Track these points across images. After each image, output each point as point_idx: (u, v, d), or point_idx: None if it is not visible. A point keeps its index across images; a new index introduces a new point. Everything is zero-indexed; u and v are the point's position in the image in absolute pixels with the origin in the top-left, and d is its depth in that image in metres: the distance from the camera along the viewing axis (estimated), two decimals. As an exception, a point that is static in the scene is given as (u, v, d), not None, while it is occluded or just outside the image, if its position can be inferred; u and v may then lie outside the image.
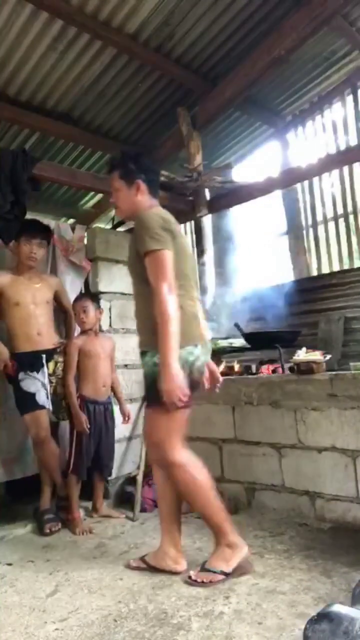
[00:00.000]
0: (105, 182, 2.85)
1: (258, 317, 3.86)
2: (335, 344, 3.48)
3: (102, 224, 5.28)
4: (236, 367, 3.32)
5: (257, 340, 3.30)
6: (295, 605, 1.79)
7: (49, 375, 2.96)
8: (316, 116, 4.99)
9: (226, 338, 3.63)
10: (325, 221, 5.00)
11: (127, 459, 3.42)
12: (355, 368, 2.64)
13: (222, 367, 3.36)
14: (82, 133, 4.39)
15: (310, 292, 3.88)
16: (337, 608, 1.37)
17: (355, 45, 4.21)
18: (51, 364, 2.98)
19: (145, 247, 1.98)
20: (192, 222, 4.87)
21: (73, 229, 3.64)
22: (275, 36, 3.76)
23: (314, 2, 3.49)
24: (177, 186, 4.04)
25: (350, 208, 4.77)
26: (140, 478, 3.10)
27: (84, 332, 3.07)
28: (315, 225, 5.08)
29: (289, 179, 4.12)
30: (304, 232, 5.16)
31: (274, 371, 3.05)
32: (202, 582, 1.97)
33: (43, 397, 2.89)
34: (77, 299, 3.14)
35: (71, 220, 5.49)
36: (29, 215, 3.06)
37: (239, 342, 3.44)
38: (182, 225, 5.34)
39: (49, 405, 2.91)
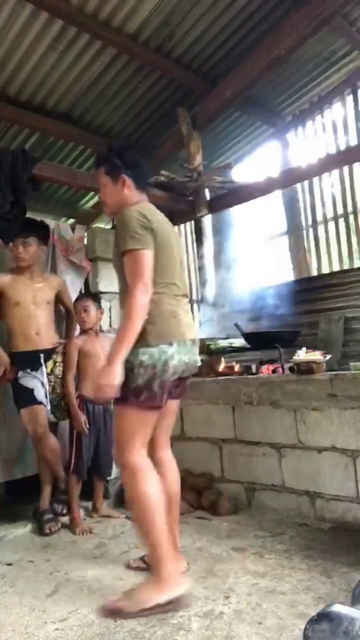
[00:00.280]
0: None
1: (258, 317, 3.86)
2: (335, 344, 3.48)
3: (102, 224, 5.28)
4: (236, 367, 3.32)
5: (257, 340, 3.30)
6: (295, 605, 1.79)
7: (47, 374, 2.96)
8: (316, 116, 4.99)
9: (226, 338, 3.64)
10: (325, 221, 5.00)
11: (127, 459, 3.42)
12: (355, 368, 2.64)
13: (222, 366, 3.37)
14: (82, 133, 4.39)
15: (310, 292, 3.88)
16: (337, 608, 1.37)
17: (355, 45, 4.21)
18: (50, 364, 2.99)
19: (124, 246, 1.96)
20: (192, 222, 4.87)
21: (73, 229, 3.64)
22: (275, 36, 3.76)
23: (314, 2, 3.49)
24: (177, 186, 4.04)
25: (350, 208, 4.77)
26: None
27: (84, 331, 3.07)
28: (315, 225, 5.08)
29: (289, 179, 4.12)
30: (304, 232, 5.15)
31: (274, 371, 3.05)
32: (114, 611, 1.80)
33: (41, 394, 2.90)
34: (78, 299, 3.14)
35: (71, 220, 5.48)
36: (29, 215, 3.06)
37: (239, 342, 3.44)
38: (182, 225, 5.36)
39: (47, 403, 2.92)
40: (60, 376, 3.01)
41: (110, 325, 3.50)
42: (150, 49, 3.78)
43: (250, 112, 4.82)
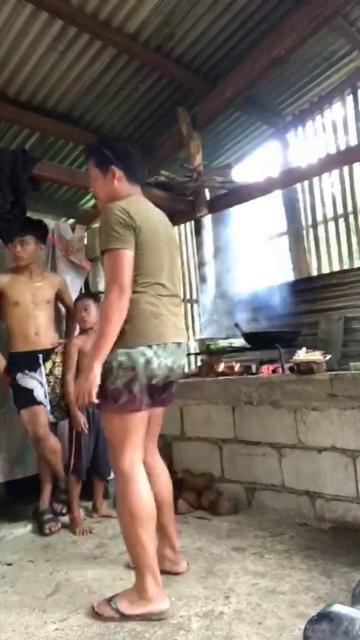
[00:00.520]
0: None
1: (258, 317, 3.86)
2: (335, 344, 3.48)
3: (102, 224, 5.28)
4: (236, 367, 3.32)
5: (257, 340, 3.30)
6: (295, 605, 1.79)
7: (46, 375, 2.96)
8: (316, 116, 4.99)
9: (226, 338, 3.63)
10: (325, 221, 5.00)
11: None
12: (355, 368, 2.64)
13: (222, 366, 3.37)
14: (82, 133, 4.39)
15: (310, 292, 3.87)
16: (337, 608, 1.37)
17: (355, 45, 4.21)
18: (48, 364, 2.98)
19: (102, 245, 1.88)
20: (192, 222, 4.87)
21: (73, 229, 3.64)
22: (275, 36, 3.76)
23: (314, 2, 3.49)
24: (177, 186, 4.04)
25: (350, 208, 4.78)
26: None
27: (83, 331, 3.07)
28: (315, 225, 5.08)
29: (289, 179, 4.13)
30: (304, 232, 5.16)
31: (274, 371, 3.05)
32: (96, 613, 1.82)
33: (41, 395, 2.89)
34: (78, 298, 3.14)
35: (71, 220, 5.48)
36: (29, 215, 3.06)
37: (239, 342, 3.44)
38: (182, 225, 5.37)
39: (46, 403, 2.92)
40: (59, 376, 3.01)
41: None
42: (150, 49, 3.79)
43: (250, 112, 4.82)
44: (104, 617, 1.80)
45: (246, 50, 3.99)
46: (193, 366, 4.51)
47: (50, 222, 3.45)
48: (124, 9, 3.38)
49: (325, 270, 4.87)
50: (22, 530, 2.87)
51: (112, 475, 3.17)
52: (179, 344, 1.99)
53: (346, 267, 4.68)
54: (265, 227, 5.54)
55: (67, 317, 3.28)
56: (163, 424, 2.24)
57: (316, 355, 2.73)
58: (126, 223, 1.85)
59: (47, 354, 2.99)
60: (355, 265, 4.55)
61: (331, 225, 4.95)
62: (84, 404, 1.81)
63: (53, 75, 3.80)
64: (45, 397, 2.93)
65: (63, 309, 3.31)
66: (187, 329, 5.29)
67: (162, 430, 2.27)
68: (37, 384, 2.90)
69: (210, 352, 3.53)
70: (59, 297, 3.17)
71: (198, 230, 4.47)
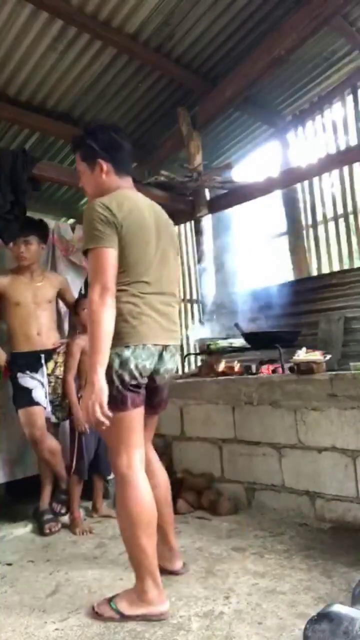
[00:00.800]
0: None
1: (258, 317, 3.86)
2: (335, 344, 3.47)
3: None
4: (236, 367, 3.32)
5: (257, 340, 3.30)
6: (295, 605, 1.79)
7: (48, 375, 2.96)
8: (316, 116, 4.99)
9: (226, 338, 3.63)
10: (325, 221, 5.00)
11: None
12: (355, 368, 2.64)
13: (222, 366, 3.36)
14: (82, 133, 4.39)
15: (310, 292, 3.87)
16: (337, 608, 1.36)
17: (355, 45, 4.21)
18: (50, 364, 2.98)
19: (84, 244, 1.82)
20: (192, 222, 4.88)
21: (73, 229, 3.64)
22: (275, 36, 3.77)
23: (314, 2, 3.49)
24: (177, 186, 4.04)
25: (350, 208, 4.78)
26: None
27: (86, 331, 3.06)
28: (315, 225, 5.08)
29: (289, 179, 4.13)
30: (304, 232, 5.16)
31: (274, 371, 3.05)
32: (96, 613, 1.81)
33: (40, 395, 2.88)
34: (79, 299, 3.14)
35: (71, 220, 5.49)
36: (30, 215, 3.06)
37: (239, 342, 3.44)
38: (182, 225, 5.36)
39: (46, 404, 2.91)
40: (61, 377, 3.01)
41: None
42: (150, 49, 3.79)
43: (250, 112, 4.82)
44: (104, 617, 1.79)
45: (246, 50, 3.99)
46: (193, 366, 4.51)
47: (50, 222, 3.45)
48: (124, 9, 3.38)
49: (325, 270, 4.87)
50: (22, 530, 2.87)
51: (112, 475, 3.19)
52: (164, 346, 1.90)
53: (346, 267, 4.68)
54: (265, 227, 5.54)
55: (71, 316, 3.27)
56: (163, 424, 2.24)
57: (316, 355, 2.73)
58: (107, 220, 1.77)
59: (49, 354, 2.98)
60: (355, 265, 4.56)
61: (331, 225, 4.95)
62: (95, 419, 1.68)
63: (53, 75, 3.80)
64: (46, 397, 2.93)
65: (63, 310, 3.31)
66: (186, 329, 5.30)
67: (162, 430, 2.27)
68: (37, 384, 2.90)
69: (210, 352, 3.53)
70: (61, 296, 3.17)
71: (198, 230, 4.48)
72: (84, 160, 1.98)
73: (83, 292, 3.54)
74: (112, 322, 1.74)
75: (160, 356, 1.90)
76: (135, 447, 1.85)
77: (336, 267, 4.84)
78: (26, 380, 2.88)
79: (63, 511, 2.94)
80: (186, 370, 4.53)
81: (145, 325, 1.83)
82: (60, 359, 3.03)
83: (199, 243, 4.53)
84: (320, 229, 5.05)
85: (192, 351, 5.11)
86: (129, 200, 1.88)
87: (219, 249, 4.90)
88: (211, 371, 3.41)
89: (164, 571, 2.04)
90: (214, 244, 4.59)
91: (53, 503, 2.96)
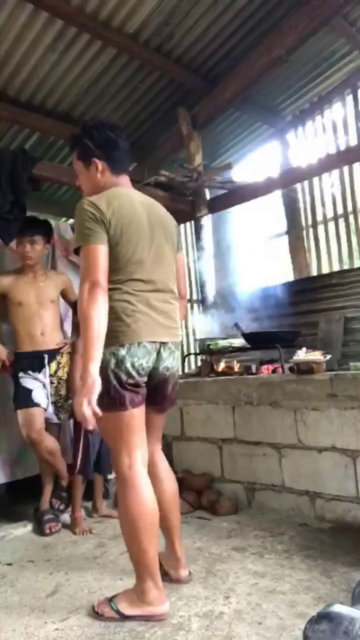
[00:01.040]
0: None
1: (258, 317, 3.86)
2: (335, 344, 3.47)
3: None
4: (236, 367, 3.32)
5: (257, 340, 3.30)
6: (295, 605, 1.79)
7: (50, 376, 2.95)
8: (316, 116, 4.99)
9: (226, 338, 3.64)
10: (325, 221, 5.00)
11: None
12: (355, 368, 2.64)
13: (222, 366, 3.37)
14: (82, 133, 4.39)
15: (310, 292, 3.87)
16: (337, 608, 1.36)
17: (355, 45, 4.21)
18: (53, 365, 2.97)
19: (75, 243, 1.82)
20: (192, 222, 4.88)
21: (73, 229, 3.63)
22: (275, 36, 3.77)
23: (314, 2, 3.49)
24: (177, 186, 4.05)
25: (350, 208, 4.77)
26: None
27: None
28: (315, 225, 5.08)
29: (289, 179, 4.13)
30: (304, 232, 5.16)
31: (274, 371, 3.05)
32: (97, 613, 1.81)
33: (40, 396, 2.87)
34: None
35: (71, 220, 5.48)
36: (35, 215, 3.06)
37: (239, 342, 3.44)
38: (182, 225, 5.36)
39: (46, 406, 2.90)
40: (63, 377, 3.00)
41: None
42: (150, 49, 3.79)
43: (250, 112, 4.82)
44: (104, 618, 1.79)
45: (246, 50, 3.99)
46: (193, 366, 4.51)
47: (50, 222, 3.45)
48: (124, 9, 3.38)
49: (325, 270, 4.87)
50: (22, 530, 2.87)
51: (113, 475, 3.18)
52: (163, 344, 1.88)
53: (346, 267, 4.68)
54: (265, 227, 5.54)
55: (74, 315, 3.27)
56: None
57: (316, 355, 2.73)
58: (96, 217, 1.77)
59: (52, 354, 2.98)
60: (355, 265, 4.55)
61: (331, 225, 4.95)
62: (88, 417, 1.64)
63: (53, 75, 3.80)
64: (48, 398, 2.92)
65: (63, 310, 3.30)
66: (186, 328, 5.30)
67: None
68: (38, 384, 2.89)
69: (210, 352, 3.53)
70: (64, 295, 3.15)
71: (198, 230, 4.48)
72: (80, 159, 1.98)
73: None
74: (104, 318, 1.70)
75: (158, 354, 1.88)
76: (136, 447, 1.82)
77: (336, 267, 4.83)
78: (27, 380, 2.87)
79: (61, 507, 2.94)
80: (186, 370, 4.54)
81: (140, 323, 1.80)
82: (63, 360, 3.01)
83: (199, 243, 4.54)
84: (320, 229, 5.05)
85: (191, 351, 5.11)
86: (120, 197, 1.87)
87: (218, 249, 4.90)
88: (211, 371, 3.41)
89: (167, 577, 2.01)
90: (214, 244, 4.60)
91: (52, 499, 2.95)
